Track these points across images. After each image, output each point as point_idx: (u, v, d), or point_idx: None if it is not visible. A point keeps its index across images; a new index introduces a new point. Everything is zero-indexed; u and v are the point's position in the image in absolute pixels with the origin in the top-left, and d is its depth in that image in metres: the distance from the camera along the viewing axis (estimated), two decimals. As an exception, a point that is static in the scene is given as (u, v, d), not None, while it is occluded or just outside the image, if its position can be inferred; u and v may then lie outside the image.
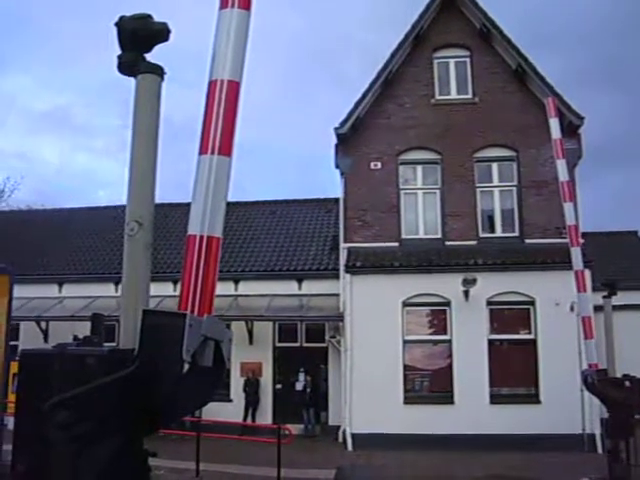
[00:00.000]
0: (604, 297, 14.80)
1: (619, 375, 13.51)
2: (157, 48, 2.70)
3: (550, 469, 14.84)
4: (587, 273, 15.44)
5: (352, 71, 70.27)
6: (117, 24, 2.65)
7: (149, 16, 2.67)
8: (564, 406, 16.55)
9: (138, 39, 2.62)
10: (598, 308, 15.14)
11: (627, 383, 13.13)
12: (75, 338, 2.58)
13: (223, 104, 2.52)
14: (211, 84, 2.56)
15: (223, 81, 2.54)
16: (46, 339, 20.78)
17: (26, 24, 77.74)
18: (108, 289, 20.25)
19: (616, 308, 15.20)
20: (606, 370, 13.44)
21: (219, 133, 2.50)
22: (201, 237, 2.42)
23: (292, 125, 77.02)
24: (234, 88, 2.56)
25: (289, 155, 77.27)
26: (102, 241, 24.32)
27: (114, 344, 2.52)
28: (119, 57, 2.65)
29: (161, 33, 2.66)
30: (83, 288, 22.26)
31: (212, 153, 2.49)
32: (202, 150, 2.51)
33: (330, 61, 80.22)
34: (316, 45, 77.95)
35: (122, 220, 2.61)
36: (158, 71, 2.65)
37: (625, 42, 67.80)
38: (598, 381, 13.07)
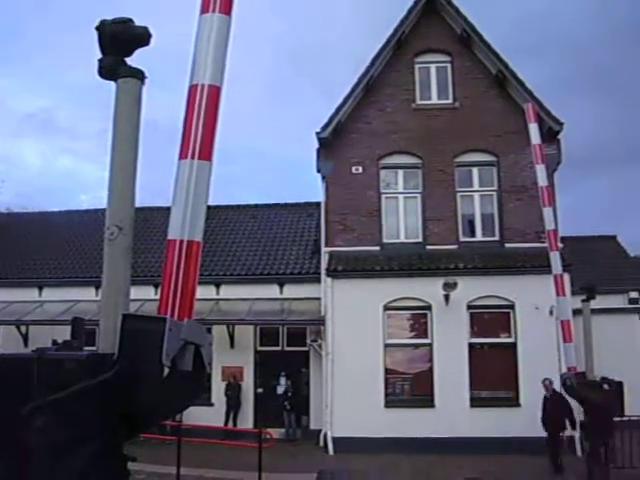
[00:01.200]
0: (583, 301, 14.93)
1: (598, 378, 13.63)
2: (140, 52, 2.70)
3: (529, 472, 14.94)
4: (566, 277, 15.56)
5: (338, 76, 70.40)
6: (98, 28, 2.64)
7: (130, 20, 2.67)
8: (544, 409, 16.64)
9: (119, 43, 2.62)
10: (577, 312, 15.28)
11: (605, 386, 13.27)
12: (54, 342, 2.57)
13: (204, 109, 2.53)
14: (191, 89, 2.56)
15: (204, 86, 2.54)
16: (26, 343, 20.58)
17: (10, 27, 77.12)
18: (89, 293, 20.12)
19: (595, 312, 15.34)
20: (585, 373, 13.54)
21: (199, 138, 2.50)
22: (181, 241, 2.42)
23: (277, 130, 76.99)
24: (215, 93, 2.57)
25: (273, 159, 77.23)
26: (83, 245, 24.15)
27: (95, 348, 2.51)
28: (99, 61, 2.65)
29: (142, 37, 2.66)
30: (63, 292, 22.07)
31: (192, 158, 2.49)
32: (182, 155, 2.51)
33: (315, 66, 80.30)
34: (300, 50, 77.98)
35: (103, 224, 2.61)
36: (139, 75, 2.65)
37: (612, 50, 68.54)
38: (577, 384, 13.17)
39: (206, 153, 2.52)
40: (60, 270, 23.62)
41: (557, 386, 15.75)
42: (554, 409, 15.67)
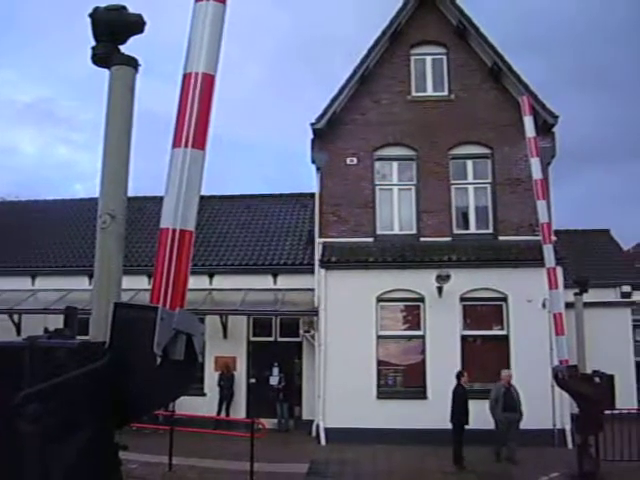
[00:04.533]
0: (575, 294, 15.02)
1: (589, 371, 13.71)
2: (139, 41, 2.68)
3: (520, 464, 15.00)
4: (559, 270, 15.62)
5: (337, 68, 70.30)
6: (91, 15, 2.62)
7: (123, 7, 2.65)
8: (535, 402, 16.70)
9: (112, 31, 2.60)
10: (569, 305, 15.36)
11: (597, 379, 13.35)
12: (46, 330, 2.57)
13: (197, 97, 2.51)
14: (185, 77, 2.55)
15: (198, 74, 2.53)
16: (19, 332, 20.55)
17: (9, 17, 76.66)
18: (82, 282, 20.06)
19: (587, 305, 15.43)
20: (576, 366, 13.62)
21: (193, 126, 2.49)
22: (174, 231, 2.42)
23: (276, 120, 76.96)
24: (209, 81, 2.55)
25: (271, 150, 77.17)
26: (77, 234, 24.07)
27: (88, 337, 2.50)
28: (93, 49, 2.63)
29: (136, 25, 2.64)
30: (57, 281, 22.00)
31: (186, 146, 2.48)
32: (176, 143, 2.50)
33: (315, 58, 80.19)
34: (301, 42, 77.86)
35: (96, 212, 2.59)
36: (132, 63, 2.63)
37: (611, 47, 68.71)
38: (569, 377, 13.26)
39: (200, 142, 2.51)
40: (53, 259, 23.55)
41: (539, 378, 15.91)
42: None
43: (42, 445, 2.18)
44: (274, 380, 20.66)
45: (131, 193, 2.72)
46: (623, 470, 13.66)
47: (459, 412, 15.55)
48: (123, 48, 2.63)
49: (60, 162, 69.67)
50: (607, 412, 13.81)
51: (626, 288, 24.57)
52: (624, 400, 15.35)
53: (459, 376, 16.07)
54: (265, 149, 75.69)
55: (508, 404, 15.75)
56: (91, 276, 2.86)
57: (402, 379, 19.16)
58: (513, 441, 15.54)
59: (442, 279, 18.24)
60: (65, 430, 2.20)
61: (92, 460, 2.25)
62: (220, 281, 21.87)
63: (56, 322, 2.87)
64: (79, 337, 2.58)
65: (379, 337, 19.01)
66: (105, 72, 2.62)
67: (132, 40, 2.65)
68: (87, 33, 2.61)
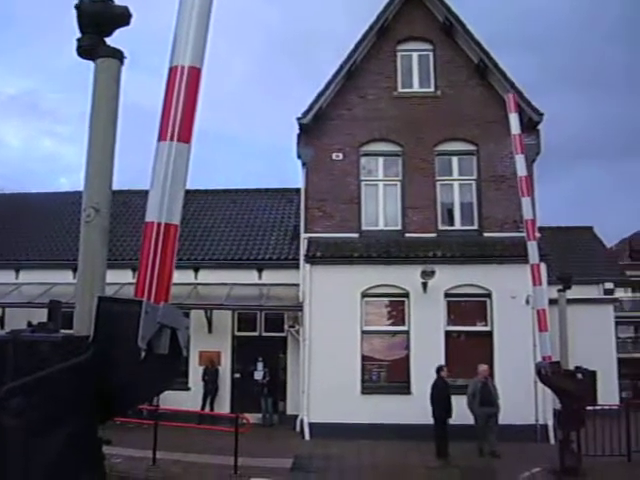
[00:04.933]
0: (559, 291, 15.09)
1: (572, 367, 13.81)
2: (127, 35, 2.67)
3: (503, 459, 15.09)
4: (543, 267, 15.71)
5: (324, 63, 70.41)
6: (77, 7, 2.60)
7: (110, -1, 2.63)
8: (518, 397, 16.83)
9: (97, 22, 2.58)
10: (553, 301, 15.45)
11: (579, 375, 13.45)
12: (29, 324, 2.55)
13: (183, 91, 2.50)
14: (171, 70, 2.53)
15: (184, 67, 2.52)
16: (2, 326, 20.44)
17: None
18: (66, 276, 19.92)
19: (570, 302, 15.52)
20: (559, 362, 13.72)
21: (179, 120, 2.48)
22: (159, 224, 2.41)
23: (263, 115, 77.07)
24: (195, 75, 2.54)
25: (257, 145, 77.19)
26: (61, 227, 23.91)
27: (72, 331, 2.49)
28: (78, 40, 2.60)
29: (122, 17, 2.62)
30: (41, 274, 21.87)
31: (171, 140, 2.47)
32: (161, 137, 2.49)
33: (302, 53, 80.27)
34: (288, 37, 77.88)
35: (81, 206, 2.58)
36: (118, 55, 2.61)
37: (604, 46, 69.31)
38: (551, 373, 13.36)
39: (185, 135, 2.50)
40: (37, 252, 23.40)
41: (520, 373, 16.02)
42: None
43: (25, 439, 2.17)
44: (258, 375, 20.68)
45: (116, 187, 2.71)
46: (604, 465, 13.78)
47: (439, 407, 15.68)
48: (109, 40, 2.61)
49: (45, 155, 69.43)
50: (589, 408, 13.93)
51: (609, 285, 24.78)
52: (606, 396, 15.49)
53: (439, 370, 16.20)
54: (251, 144, 75.83)
55: (485, 398, 15.88)
56: (75, 270, 2.84)
57: (386, 374, 19.22)
58: (492, 434, 15.66)
59: (427, 275, 18.30)
60: (48, 424, 2.19)
61: (76, 454, 2.24)
62: (205, 275, 21.84)
63: (40, 316, 2.85)
64: (63, 331, 2.57)
65: (364, 332, 19.05)
66: (90, 64, 2.60)
67: (118, 32, 2.63)
68: (72, 25, 2.58)
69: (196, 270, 21.92)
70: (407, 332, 19.04)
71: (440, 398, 15.74)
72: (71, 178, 72.42)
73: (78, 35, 2.59)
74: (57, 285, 20.46)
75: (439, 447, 15.48)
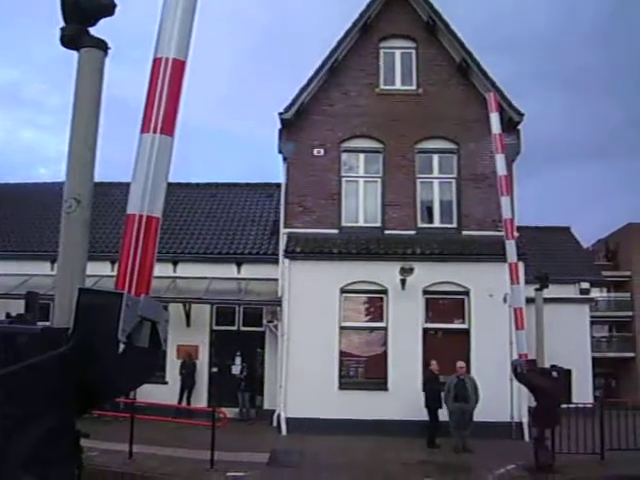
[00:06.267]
0: (536, 290, 15.23)
1: (547, 365, 13.94)
2: (113, 28, 2.64)
3: (478, 455, 15.20)
4: (521, 266, 15.82)
5: (307, 59, 70.27)
6: (60, -5, 2.58)
7: (94, -11, 2.60)
8: (494, 395, 16.93)
9: (81, 12, 2.55)
10: (530, 300, 15.59)
11: (554, 373, 13.58)
12: (7, 315, 2.53)
13: (167, 83, 2.49)
14: (155, 62, 2.52)
15: (168, 59, 2.51)
16: (-23, 317, 20.17)
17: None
18: (44, 267, 19.72)
19: (547, 301, 15.68)
20: (535, 360, 13.84)
21: (162, 112, 2.47)
22: (140, 217, 2.40)
23: (245, 110, 76.88)
24: (179, 67, 2.53)
25: (238, 139, 76.97)
26: (39, 218, 23.65)
27: (49, 323, 2.47)
28: (62, 30, 2.58)
29: (106, 7, 2.60)
30: (18, 266, 21.67)
31: (154, 132, 2.46)
32: (144, 129, 2.48)
33: (285, 48, 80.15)
34: (272, 32, 77.71)
35: (61, 197, 2.56)
36: (102, 45, 2.59)
37: (582, 49, 69.92)
38: (527, 371, 13.47)
39: (168, 128, 2.49)
40: (15, 243, 23.18)
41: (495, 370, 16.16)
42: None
43: (1, 432, 2.15)
44: (236, 369, 20.65)
45: (97, 180, 2.69)
46: (578, 462, 13.91)
47: (429, 397, 16.53)
48: (93, 30, 2.58)
49: (25, 146, 68.64)
50: (563, 406, 14.07)
51: (585, 285, 25.06)
52: (580, 394, 15.63)
53: (427, 363, 16.73)
54: (232, 138, 75.54)
55: (460, 394, 16.03)
56: (53, 261, 2.83)
57: (364, 370, 19.28)
58: (465, 430, 15.80)
59: (406, 272, 18.36)
60: (26, 417, 2.17)
61: (53, 447, 2.23)
62: (184, 269, 21.76)
63: (17, 307, 2.83)
64: (39, 323, 2.55)
65: (342, 328, 19.08)
66: (74, 55, 2.58)
67: (102, 23, 2.61)
68: (56, 14, 2.56)
69: (175, 263, 21.82)
70: (385, 329, 19.10)
71: (429, 389, 16.70)
72: (50, 169, 71.72)
73: (62, 24, 2.57)
74: (34, 276, 20.27)
75: (430, 437, 16.12)
